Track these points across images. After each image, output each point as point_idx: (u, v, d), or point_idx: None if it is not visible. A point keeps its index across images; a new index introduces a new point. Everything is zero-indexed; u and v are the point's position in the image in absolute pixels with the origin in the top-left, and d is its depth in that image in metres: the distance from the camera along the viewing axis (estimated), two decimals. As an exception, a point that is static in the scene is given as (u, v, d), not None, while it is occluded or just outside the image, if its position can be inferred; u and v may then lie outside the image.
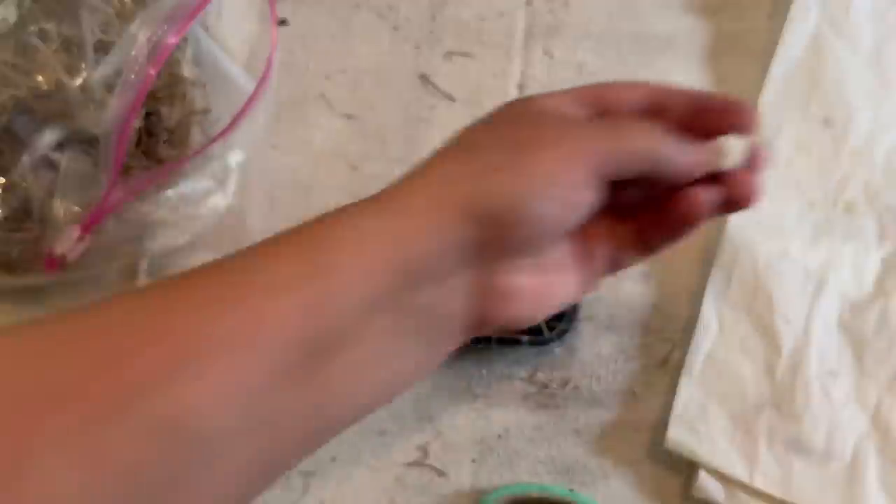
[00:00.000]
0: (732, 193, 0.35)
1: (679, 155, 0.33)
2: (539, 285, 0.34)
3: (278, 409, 0.28)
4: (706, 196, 0.35)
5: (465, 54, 0.63)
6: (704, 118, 0.35)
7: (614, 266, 0.38)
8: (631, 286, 0.56)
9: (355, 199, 0.61)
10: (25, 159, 0.54)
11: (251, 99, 0.59)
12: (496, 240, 0.31)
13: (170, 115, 0.58)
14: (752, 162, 0.36)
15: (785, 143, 0.57)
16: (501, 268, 0.32)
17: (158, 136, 0.58)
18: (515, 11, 0.64)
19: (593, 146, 0.32)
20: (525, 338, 0.53)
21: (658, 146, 0.33)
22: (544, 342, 0.53)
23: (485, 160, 0.31)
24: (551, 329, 0.54)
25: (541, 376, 0.55)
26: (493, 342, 0.53)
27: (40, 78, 0.54)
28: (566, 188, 0.31)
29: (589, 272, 0.36)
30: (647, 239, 0.37)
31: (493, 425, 0.55)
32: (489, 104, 0.63)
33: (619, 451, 0.54)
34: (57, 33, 0.55)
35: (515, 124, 0.34)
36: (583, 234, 0.35)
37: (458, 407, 0.55)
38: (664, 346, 0.55)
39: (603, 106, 0.35)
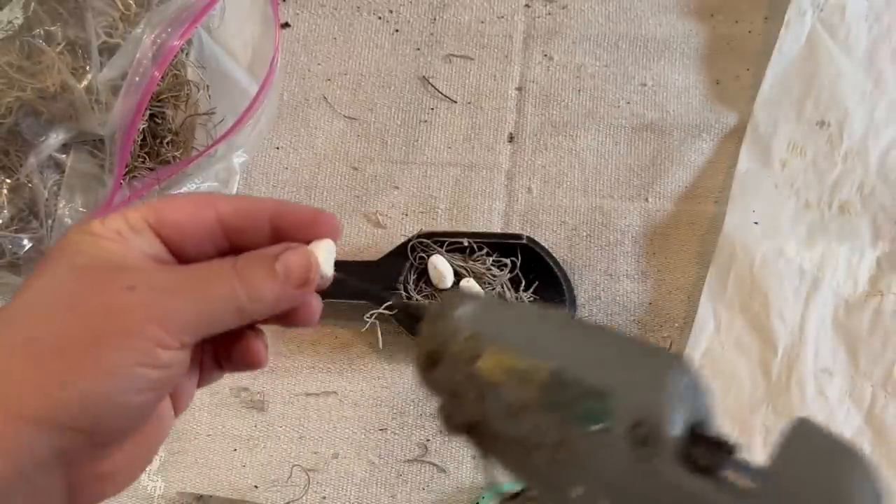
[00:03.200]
0: (293, 317, 0.33)
1: (267, 297, 0.31)
2: (136, 452, 0.31)
3: None
4: (261, 345, 0.33)
5: (464, 57, 0.64)
6: (289, 231, 0.33)
7: (206, 382, 0.35)
8: (628, 285, 0.57)
9: (357, 199, 0.62)
10: (31, 160, 0.55)
11: (254, 101, 0.60)
12: (82, 443, 0.28)
13: (174, 116, 0.59)
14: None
15: (780, 144, 0.57)
16: (95, 456, 0.29)
17: (163, 137, 0.58)
18: (514, 14, 0.64)
19: (172, 317, 0.28)
20: (524, 336, 0.54)
21: (245, 298, 0.30)
22: (543, 340, 0.54)
23: (50, 366, 0.27)
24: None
25: (540, 374, 0.56)
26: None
27: (46, 80, 0.54)
28: (148, 373, 0.28)
29: (182, 399, 0.34)
30: (232, 361, 0.34)
31: (492, 423, 0.55)
32: (489, 106, 0.64)
33: (616, 448, 0.54)
34: (62, 36, 0.55)
35: (77, 306, 0.28)
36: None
37: (457, 404, 0.56)
38: (661, 344, 0.55)
39: (172, 234, 0.32)
